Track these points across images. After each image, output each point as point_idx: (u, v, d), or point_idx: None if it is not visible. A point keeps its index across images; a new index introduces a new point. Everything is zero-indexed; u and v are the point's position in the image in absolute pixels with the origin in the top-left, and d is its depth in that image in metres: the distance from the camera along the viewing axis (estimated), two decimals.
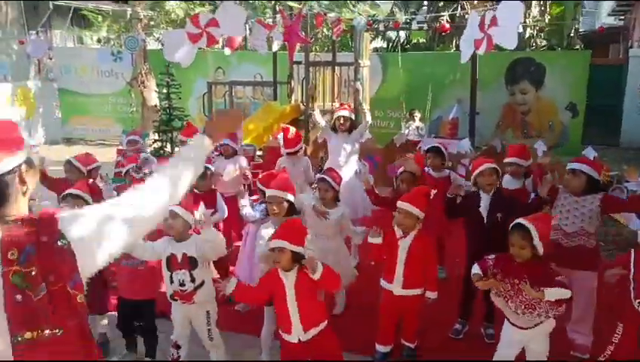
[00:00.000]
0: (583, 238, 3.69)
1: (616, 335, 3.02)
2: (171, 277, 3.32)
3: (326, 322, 3.06)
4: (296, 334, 2.98)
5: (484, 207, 3.84)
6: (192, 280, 3.32)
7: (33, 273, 1.44)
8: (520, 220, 3.02)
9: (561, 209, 3.74)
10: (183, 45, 4.84)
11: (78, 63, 13.75)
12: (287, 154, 5.50)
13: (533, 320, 3.05)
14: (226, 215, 4.81)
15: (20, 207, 1.56)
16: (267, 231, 3.54)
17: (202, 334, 3.50)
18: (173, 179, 1.76)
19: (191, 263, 3.30)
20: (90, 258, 1.56)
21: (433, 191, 3.49)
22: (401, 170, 4.36)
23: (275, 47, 7.85)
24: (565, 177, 3.75)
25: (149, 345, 3.82)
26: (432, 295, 3.61)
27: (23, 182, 1.57)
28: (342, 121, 5.60)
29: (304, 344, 3.00)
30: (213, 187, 4.82)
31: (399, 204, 3.50)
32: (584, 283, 3.63)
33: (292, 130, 5.63)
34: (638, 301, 2.86)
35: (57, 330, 1.47)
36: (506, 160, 4.59)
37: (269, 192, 3.69)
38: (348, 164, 5.57)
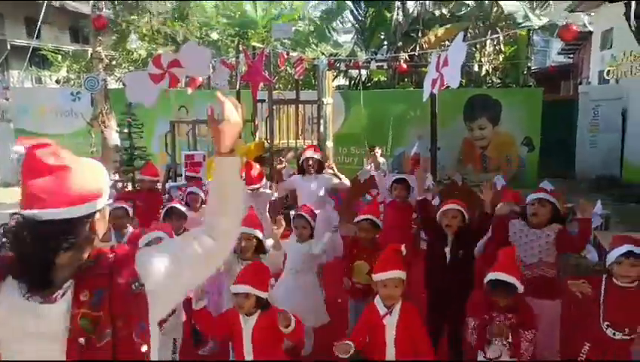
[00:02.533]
0: (543, 269, 3.76)
1: (582, 354, 3.14)
2: None
3: None
4: None
5: (447, 249, 3.79)
6: None
7: (102, 317, 1.37)
8: (501, 277, 2.95)
9: (519, 241, 3.80)
10: (146, 86, 4.82)
11: (36, 104, 13.47)
12: (250, 190, 5.47)
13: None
14: None
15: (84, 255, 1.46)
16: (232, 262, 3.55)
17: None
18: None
19: None
20: (163, 302, 1.50)
21: (403, 248, 3.12)
22: (359, 218, 4.26)
23: (238, 85, 7.91)
24: (531, 208, 3.79)
25: None
26: None
27: (93, 229, 1.49)
28: (310, 163, 5.50)
29: None
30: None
31: (382, 276, 3.00)
32: (548, 310, 3.69)
33: (256, 166, 5.61)
34: (606, 323, 3.00)
35: None
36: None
37: (241, 229, 3.68)
38: (321, 209, 5.43)
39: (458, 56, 3.82)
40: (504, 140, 11.04)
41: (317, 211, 5.33)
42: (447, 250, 3.81)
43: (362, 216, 4.19)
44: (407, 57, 9.63)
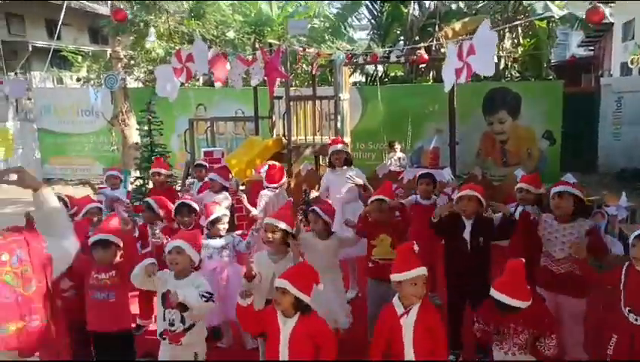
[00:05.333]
0: (572, 265, 3.70)
1: (610, 346, 3.10)
2: (164, 314, 3.25)
3: None
4: None
5: (467, 233, 3.87)
6: (182, 320, 3.24)
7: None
8: (503, 299, 2.90)
9: (549, 236, 3.79)
10: (171, 80, 4.93)
11: (58, 103, 13.70)
12: (270, 187, 5.52)
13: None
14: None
15: None
16: (260, 256, 3.59)
17: None
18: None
19: (182, 304, 3.18)
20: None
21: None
22: (371, 199, 4.27)
23: (255, 81, 7.93)
24: (553, 201, 3.78)
25: None
26: None
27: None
28: (336, 156, 5.55)
29: None
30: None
31: (410, 273, 2.87)
32: (573, 307, 3.67)
33: (276, 166, 5.68)
34: (627, 309, 3.00)
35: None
36: (517, 186, 4.56)
37: (265, 220, 3.72)
38: (349, 203, 5.43)
39: (488, 44, 3.74)
40: (524, 134, 10.91)
41: (347, 204, 5.40)
42: (466, 235, 3.85)
43: (374, 197, 4.18)
44: (426, 50, 9.54)
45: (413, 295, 2.89)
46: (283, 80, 8.07)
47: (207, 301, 3.15)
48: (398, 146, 10.16)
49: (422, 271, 2.90)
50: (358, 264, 5.45)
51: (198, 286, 3.23)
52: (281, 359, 2.82)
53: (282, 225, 3.58)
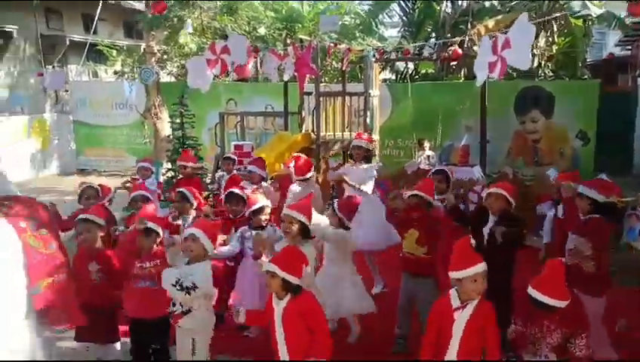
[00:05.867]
0: (578, 259, 3.79)
1: None
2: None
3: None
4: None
5: (487, 228, 3.90)
6: (181, 304, 3.33)
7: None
8: (540, 298, 2.88)
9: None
10: (203, 72, 5.02)
11: (93, 96, 14.04)
12: (299, 181, 5.57)
13: None
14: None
15: None
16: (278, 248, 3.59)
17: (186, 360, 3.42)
18: None
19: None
20: None
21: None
22: (408, 193, 4.30)
23: (286, 76, 7.99)
24: (576, 200, 3.91)
25: None
26: None
27: None
28: (357, 151, 5.70)
29: None
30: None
31: (472, 270, 2.87)
32: (592, 307, 3.64)
33: (303, 157, 5.72)
34: None
35: None
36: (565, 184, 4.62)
37: (284, 211, 3.79)
38: (366, 193, 5.51)
39: (525, 38, 3.71)
40: (557, 133, 10.69)
41: (360, 198, 5.43)
42: (485, 231, 3.86)
43: (411, 192, 4.20)
44: (458, 46, 9.44)
45: (474, 291, 2.89)
46: (313, 76, 8.11)
47: (179, 290, 3.22)
48: (427, 144, 10.11)
49: (482, 266, 2.88)
50: (378, 258, 5.50)
51: (191, 274, 3.28)
52: (278, 339, 2.96)
53: (300, 217, 3.62)
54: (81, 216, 3.89)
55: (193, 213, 4.69)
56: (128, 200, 4.77)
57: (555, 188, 5.43)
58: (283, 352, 2.97)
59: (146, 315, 3.61)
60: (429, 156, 9.93)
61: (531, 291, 2.94)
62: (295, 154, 6.61)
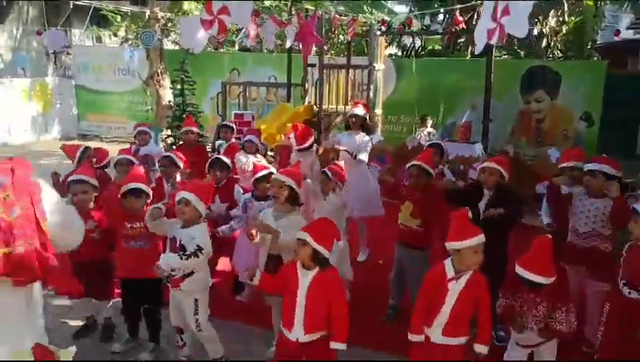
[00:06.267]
0: (596, 240, 3.69)
1: (603, 314, 3.23)
2: None
3: (326, 333, 2.92)
4: (296, 334, 2.90)
5: (483, 204, 3.87)
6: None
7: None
8: (527, 276, 2.90)
9: (576, 210, 3.80)
10: (197, 31, 4.91)
11: (96, 61, 13.92)
12: (299, 150, 5.54)
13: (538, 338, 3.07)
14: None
15: None
16: (265, 214, 3.60)
17: (190, 322, 3.45)
18: None
19: (182, 251, 3.29)
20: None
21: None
22: (409, 164, 4.27)
23: (288, 43, 7.87)
24: (585, 178, 3.78)
25: (151, 329, 3.81)
26: (482, 349, 2.89)
27: None
28: (354, 120, 5.66)
29: (300, 345, 2.91)
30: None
31: (473, 241, 2.82)
32: (598, 291, 3.63)
33: (302, 126, 5.70)
34: (622, 281, 3.09)
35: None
36: (564, 164, 4.30)
37: (273, 176, 3.76)
38: (359, 162, 5.55)
39: (525, 6, 3.63)
40: (562, 114, 10.57)
41: (357, 165, 5.44)
42: (481, 205, 3.84)
43: (412, 162, 4.17)
44: (465, 22, 9.29)
45: (473, 262, 2.85)
46: (317, 46, 8.00)
47: (187, 258, 3.20)
48: (430, 121, 10.04)
49: (482, 238, 2.84)
50: (368, 225, 5.52)
51: (193, 237, 3.28)
52: (297, 309, 2.87)
53: (289, 182, 3.55)
54: (76, 176, 3.87)
55: (178, 176, 4.69)
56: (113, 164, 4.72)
57: (555, 168, 5.37)
58: (299, 322, 2.87)
59: (137, 275, 3.61)
60: (429, 133, 9.86)
61: (518, 269, 2.95)
62: (293, 124, 6.56)
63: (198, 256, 3.21)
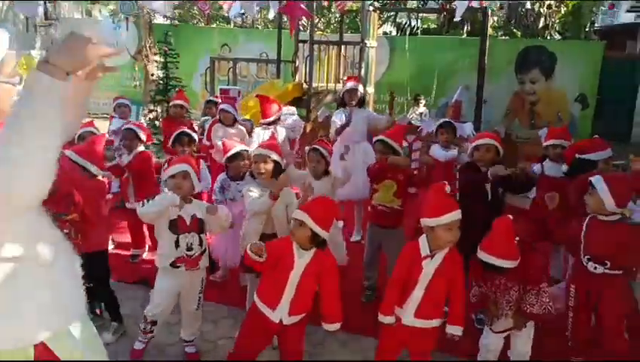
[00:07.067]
0: None
1: (570, 298, 3.17)
2: (177, 241, 3.12)
3: (306, 315, 2.82)
4: (279, 314, 2.74)
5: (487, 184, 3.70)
6: (200, 243, 3.18)
7: None
8: (490, 260, 2.77)
9: None
10: None
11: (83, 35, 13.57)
12: (264, 125, 5.35)
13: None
14: (209, 186, 4.66)
15: None
16: (252, 193, 3.41)
17: (192, 302, 3.29)
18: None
19: (200, 226, 3.15)
20: None
21: (447, 188, 2.74)
22: (375, 138, 4.12)
23: (272, 14, 7.62)
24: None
25: (108, 308, 3.63)
26: (455, 330, 2.75)
27: None
28: (351, 94, 5.36)
29: (281, 326, 2.77)
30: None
31: (448, 217, 2.64)
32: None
33: (268, 98, 5.51)
34: (586, 257, 3.05)
35: None
36: (547, 142, 4.34)
37: (254, 151, 3.58)
38: (359, 143, 5.33)
39: None
40: (556, 96, 10.39)
41: (357, 145, 5.24)
42: (488, 186, 3.67)
43: (376, 138, 4.01)
44: None
45: (447, 240, 2.67)
46: (308, 20, 7.76)
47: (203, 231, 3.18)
48: (422, 101, 9.86)
49: (457, 214, 2.66)
50: (365, 206, 5.37)
51: (205, 207, 3.20)
52: (287, 289, 2.71)
53: (274, 156, 3.44)
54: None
55: (141, 147, 4.53)
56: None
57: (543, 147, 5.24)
58: (286, 302, 2.72)
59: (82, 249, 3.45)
60: (421, 113, 9.69)
61: (481, 254, 2.80)
62: (259, 95, 6.24)
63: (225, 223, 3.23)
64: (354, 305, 3.92)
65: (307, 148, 4.33)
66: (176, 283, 3.20)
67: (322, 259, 2.74)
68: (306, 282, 2.71)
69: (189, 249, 3.12)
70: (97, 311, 3.65)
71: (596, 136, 5.18)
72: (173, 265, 3.14)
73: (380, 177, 3.98)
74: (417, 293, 2.72)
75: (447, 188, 2.73)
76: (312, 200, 2.91)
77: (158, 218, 3.12)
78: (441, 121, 5.32)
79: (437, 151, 5.10)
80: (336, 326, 2.77)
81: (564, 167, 4.12)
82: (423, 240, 2.76)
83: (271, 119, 5.26)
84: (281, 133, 5.29)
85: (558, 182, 4.02)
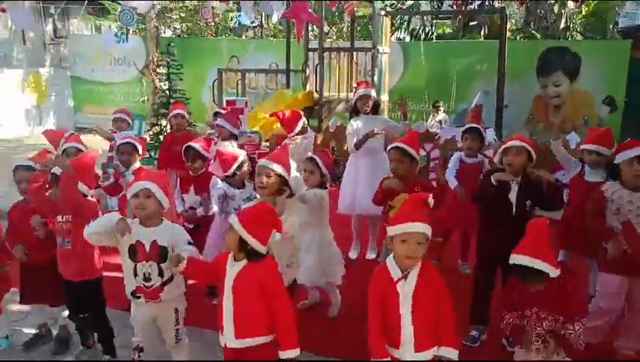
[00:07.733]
0: None
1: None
2: (135, 269, 2.77)
3: (269, 340, 2.43)
4: (226, 338, 2.44)
5: (513, 195, 3.26)
6: (160, 273, 2.77)
7: None
8: (526, 262, 2.41)
9: (618, 206, 3.18)
10: None
11: (91, 51, 13.48)
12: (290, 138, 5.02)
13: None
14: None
15: None
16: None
17: (168, 334, 2.96)
18: None
19: (160, 254, 2.75)
20: None
21: (430, 200, 2.39)
22: (390, 146, 3.72)
23: (275, 17, 7.28)
24: (630, 167, 3.17)
25: (101, 340, 3.32)
26: (449, 353, 2.36)
27: None
28: (364, 100, 4.95)
29: (233, 351, 2.44)
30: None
31: (401, 228, 2.31)
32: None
33: (288, 111, 5.16)
34: None
35: None
36: (584, 146, 3.88)
37: (259, 163, 3.22)
38: (375, 153, 4.91)
39: None
40: (582, 99, 9.85)
41: (376, 157, 4.85)
42: (512, 197, 3.23)
43: (393, 144, 3.60)
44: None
45: (404, 255, 2.30)
46: (317, 26, 7.40)
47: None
48: (442, 107, 9.43)
49: (419, 227, 2.28)
50: (381, 223, 4.93)
51: (179, 234, 2.81)
52: (225, 307, 2.43)
53: (278, 169, 3.07)
54: (20, 163, 3.45)
55: (138, 163, 4.19)
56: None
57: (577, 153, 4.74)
58: (228, 323, 2.42)
59: (72, 278, 3.17)
60: (440, 120, 9.26)
61: (514, 257, 2.45)
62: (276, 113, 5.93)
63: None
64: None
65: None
66: (144, 313, 2.91)
67: (258, 270, 2.40)
68: (242, 298, 2.41)
69: (147, 279, 2.76)
70: (90, 343, 3.40)
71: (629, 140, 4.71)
72: (134, 294, 2.83)
73: (387, 199, 3.60)
74: (407, 328, 2.32)
75: (430, 201, 2.38)
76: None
77: (107, 241, 2.79)
78: (467, 126, 4.83)
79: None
80: (290, 353, 2.38)
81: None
82: (390, 261, 2.40)
83: (298, 129, 4.96)
84: (308, 147, 4.97)
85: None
